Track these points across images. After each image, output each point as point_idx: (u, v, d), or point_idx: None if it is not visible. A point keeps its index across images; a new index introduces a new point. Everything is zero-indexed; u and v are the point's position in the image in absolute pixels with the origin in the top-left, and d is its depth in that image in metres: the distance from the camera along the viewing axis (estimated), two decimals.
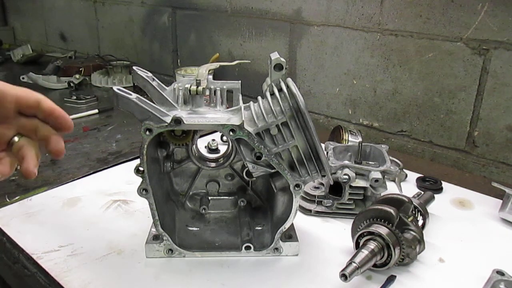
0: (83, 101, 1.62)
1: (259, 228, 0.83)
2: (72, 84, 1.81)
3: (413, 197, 0.89)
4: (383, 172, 0.88)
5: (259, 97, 0.72)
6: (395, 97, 1.32)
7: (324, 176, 0.73)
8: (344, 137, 1.09)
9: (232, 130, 0.67)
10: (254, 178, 0.75)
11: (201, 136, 0.83)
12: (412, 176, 1.09)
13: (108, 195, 0.98)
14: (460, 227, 0.89)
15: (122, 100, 0.65)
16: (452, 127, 1.23)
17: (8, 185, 1.01)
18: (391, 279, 0.72)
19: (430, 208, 0.90)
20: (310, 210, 0.91)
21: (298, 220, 0.82)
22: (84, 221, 0.88)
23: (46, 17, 2.69)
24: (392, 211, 0.73)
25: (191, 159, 0.83)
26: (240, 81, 0.80)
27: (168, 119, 0.66)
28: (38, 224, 0.86)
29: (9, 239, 0.81)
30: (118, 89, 0.65)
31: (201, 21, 1.81)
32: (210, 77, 0.82)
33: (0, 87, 0.57)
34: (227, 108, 0.75)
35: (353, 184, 0.88)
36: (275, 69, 0.70)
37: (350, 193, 0.89)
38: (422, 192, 0.95)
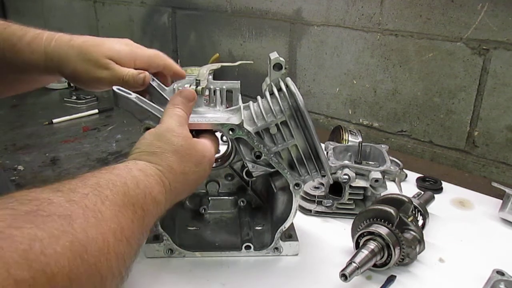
0: (83, 101, 1.62)
1: (259, 228, 0.83)
2: (72, 84, 1.81)
3: (413, 197, 0.89)
4: (383, 172, 0.87)
5: (259, 97, 0.72)
6: (395, 97, 1.32)
7: (323, 175, 0.73)
8: (344, 137, 1.09)
9: (231, 129, 0.67)
10: (254, 178, 0.75)
11: None
12: (412, 176, 1.09)
13: None
14: (460, 227, 0.89)
15: (122, 99, 0.65)
16: (452, 127, 1.23)
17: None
18: (391, 279, 0.72)
19: (430, 208, 0.90)
20: (310, 210, 0.91)
21: (298, 220, 0.82)
22: None
23: (46, 17, 2.68)
24: (392, 211, 0.73)
25: None
26: (239, 81, 0.80)
27: None
28: None
29: None
30: (118, 89, 0.65)
31: (201, 21, 1.81)
32: (210, 77, 0.82)
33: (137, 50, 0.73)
34: (227, 108, 0.75)
35: (353, 184, 0.88)
36: (274, 69, 0.70)
37: (350, 193, 0.89)
38: (422, 192, 0.95)
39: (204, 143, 0.65)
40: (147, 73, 0.71)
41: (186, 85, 0.74)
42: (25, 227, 0.35)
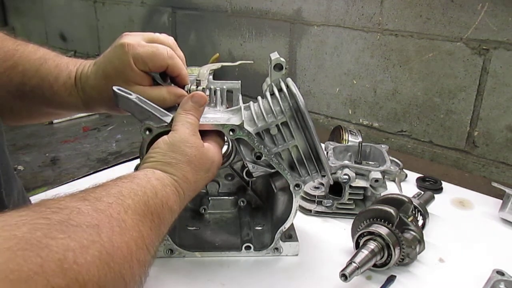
0: None
1: (259, 228, 0.83)
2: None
3: (413, 197, 0.89)
4: (383, 172, 0.88)
5: (259, 97, 0.72)
6: (395, 97, 1.32)
7: (324, 176, 0.73)
8: (344, 137, 1.09)
9: (232, 130, 0.67)
10: (254, 178, 0.75)
11: None
12: (412, 176, 1.09)
13: None
14: (460, 227, 0.89)
15: (122, 100, 0.65)
16: (452, 127, 1.23)
17: None
18: (391, 279, 0.72)
19: (430, 208, 0.90)
20: (310, 210, 0.91)
21: (298, 220, 0.82)
22: None
23: (46, 17, 2.69)
24: (392, 211, 0.73)
25: None
26: (240, 81, 0.80)
27: (168, 119, 0.66)
28: None
29: None
30: (118, 89, 0.65)
31: (201, 21, 1.81)
32: (210, 77, 0.82)
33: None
34: (227, 108, 0.75)
35: (353, 184, 0.88)
36: (275, 69, 0.70)
37: (350, 193, 0.89)
38: (422, 192, 0.95)
39: (213, 149, 0.66)
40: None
41: (186, 85, 0.73)
42: (59, 237, 0.38)
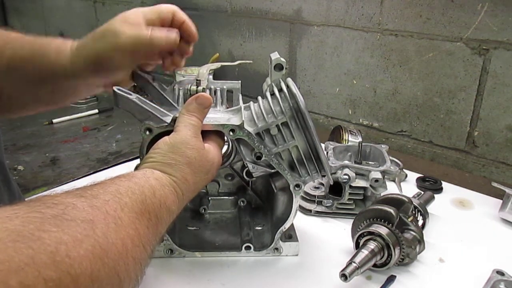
0: (83, 101, 1.62)
1: (259, 228, 0.83)
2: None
3: (413, 197, 0.89)
4: (383, 172, 0.88)
5: (259, 97, 0.72)
6: (395, 97, 1.32)
7: (324, 176, 0.73)
8: (344, 137, 1.09)
9: (232, 130, 0.67)
10: (254, 178, 0.75)
11: None
12: (412, 176, 1.09)
13: None
14: (460, 227, 0.89)
15: (122, 100, 0.65)
16: (452, 127, 1.23)
17: None
18: (391, 279, 0.72)
19: (430, 208, 0.90)
20: (310, 210, 0.91)
21: (298, 220, 0.82)
22: None
23: (46, 17, 2.68)
24: (392, 211, 0.73)
25: None
26: (240, 81, 0.80)
27: (168, 119, 0.66)
28: None
29: None
30: (118, 89, 0.65)
31: (201, 21, 1.81)
32: (210, 77, 0.81)
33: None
34: (227, 108, 0.75)
35: (353, 184, 0.88)
36: (275, 69, 0.70)
37: (350, 193, 0.89)
38: (422, 192, 0.95)
39: (213, 150, 0.65)
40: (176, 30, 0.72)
41: (186, 85, 0.73)
42: (52, 231, 0.38)
